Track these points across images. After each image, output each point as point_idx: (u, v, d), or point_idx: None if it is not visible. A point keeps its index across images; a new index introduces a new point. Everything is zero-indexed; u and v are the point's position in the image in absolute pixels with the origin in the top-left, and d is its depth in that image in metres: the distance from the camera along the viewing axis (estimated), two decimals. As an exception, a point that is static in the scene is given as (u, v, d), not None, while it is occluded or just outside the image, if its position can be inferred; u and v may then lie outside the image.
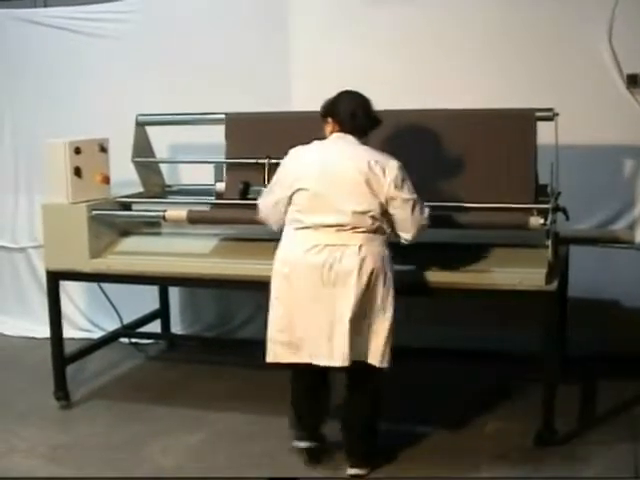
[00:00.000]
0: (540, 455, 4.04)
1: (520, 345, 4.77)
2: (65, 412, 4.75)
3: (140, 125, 4.89)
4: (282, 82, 5.32)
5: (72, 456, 4.22)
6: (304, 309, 3.73)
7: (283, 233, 3.83)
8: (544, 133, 4.25)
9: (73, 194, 4.58)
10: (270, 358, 3.84)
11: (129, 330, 5.52)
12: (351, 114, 3.79)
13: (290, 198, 3.76)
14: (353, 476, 3.89)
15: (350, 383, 3.90)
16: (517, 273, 4.01)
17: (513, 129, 4.30)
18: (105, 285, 5.33)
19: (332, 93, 5.05)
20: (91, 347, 5.23)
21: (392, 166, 3.72)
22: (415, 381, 4.89)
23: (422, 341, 4.91)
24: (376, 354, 3.76)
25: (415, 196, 3.76)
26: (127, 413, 4.68)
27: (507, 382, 4.86)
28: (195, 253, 4.60)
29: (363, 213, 3.67)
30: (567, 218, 4.30)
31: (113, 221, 4.74)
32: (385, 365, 3.78)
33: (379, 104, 4.56)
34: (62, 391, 4.79)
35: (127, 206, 4.81)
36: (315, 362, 3.75)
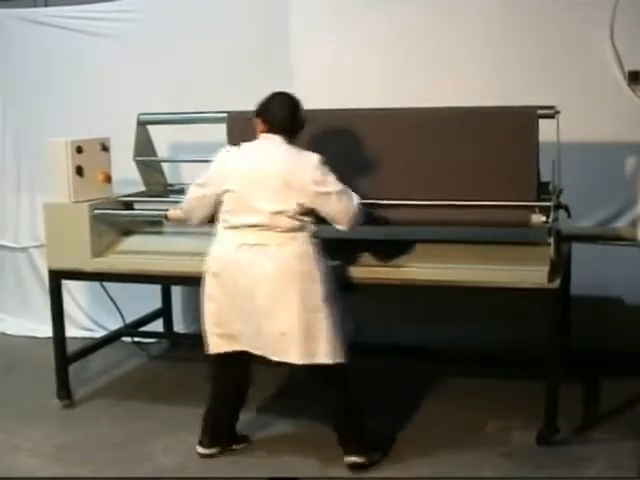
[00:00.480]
0: (543, 454, 4.03)
1: (522, 343, 4.78)
2: (67, 411, 4.75)
3: (141, 124, 4.89)
4: (283, 81, 5.29)
5: (74, 455, 4.23)
6: (235, 306, 3.87)
7: (217, 232, 3.97)
8: (546, 131, 4.23)
9: (75, 193, 4.58)
10: (211, 350, 3.99)
11: (131, 329, 5.52)
12: (278, 115, 3.90)
13: (220, 197, 3.90)
14: (352, 465, 3.94)
15: (310, 382, 3.96)
16: (519, 271, 4.01)
17: (515, 127, 4.28)
18: (107, 284, 5.33)
19: (332, 92, 5.13)
20: (93, 346, 5.23)
21: (312, 164, 3.80)
22: (415, 381, 4.91)
23: (422, 340, 4.91)
24: (323, 353, 3.81)
25: (339, 188, 3.82)
26: (129, 412, 4.68)
27: (509, 381, 4.83)
28: (197, 252, 4.57)
29: (281, 213, 3.78)
30: (569, 215, 4.29)
31: (115, 220, 4.73)
32: (338, 361, 3.83)
33: (379, 103, 4.61)
34: (64, 390, 4.79)
35: (129, 205, 4.82)
36: (251, 351, 3.88)
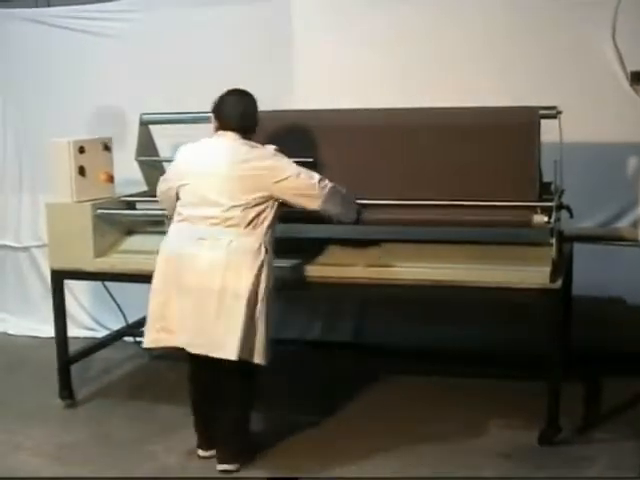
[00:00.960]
0: (543, 454, 4.04)
1: (523, 343, 4.79)
2: (69, 411, 4.76)
3: (144, 124, 4.90)
4: (283, 81, 5.33)
5: (76, 455, 4.23)
6: (180, 300, 3.87)
7: (170, 226, 4.05)
8: (548, 131, 4.24)
9: (77, 193, 4.59)
10: (147, 344, 4.05)
11: (134, 329, 5.51)
12: (230, 114, 3.98)
13: (178, 191, 4.00)
14: (222, 471, 3.96)
15: (219, 378, 3.94)
16: (521, 271, 4.01)
17: (517, 127, 4.28)
18: (109, 284, 5.33)
19: (332, 92, 5.13)
20: (95, 346, 5.24)
21: (266, 155, 3.90)
22: (418, 382, 4.91)
23: (423, 340, 4.92)
24: (257, 352, 3.84)
25: (295, 170, 3.89)
26: (131, 412, 4.68)
27: (510, 381, 4.83)
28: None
29: (234, 207, 3.82)
30: (571, 216, 4.30)
31: (117, 220, 4.74)
32: (259, 361, 3.86)
33: (380, 103, 4.61)
34: (66, 390, 4.79)
35: (131, 205, 4.83)
36: (188, 349, 3.88)
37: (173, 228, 4.02)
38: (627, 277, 5.01)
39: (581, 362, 4.83)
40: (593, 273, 4.94)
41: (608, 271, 5.02)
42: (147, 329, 4.03)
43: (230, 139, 3.95)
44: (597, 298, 5.05)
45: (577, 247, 4.73)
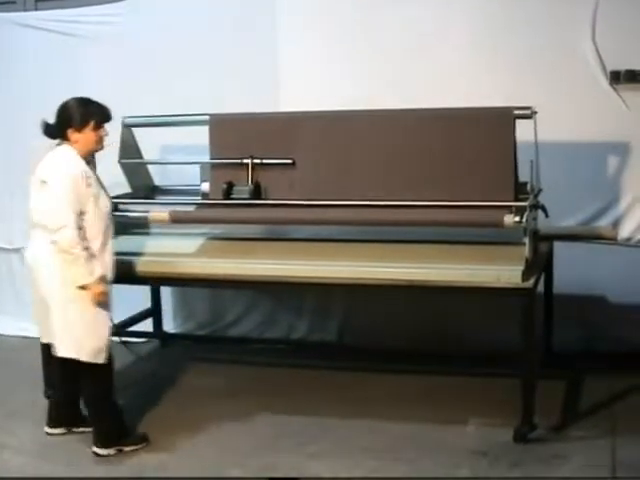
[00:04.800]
0: (518, 452, 4.06)
1: (505, 342, 4.81)
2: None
3: (126, 127, 4.95)
4: (271, 83, 5.37)
5: (61, 454, 4.27)
6: (36, 300, 4.19)
7: None
8: (528, 130, 4.25)
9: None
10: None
11: (120, 329, 5.54)
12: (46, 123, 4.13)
13: None
14: (94, 453, 4.20)
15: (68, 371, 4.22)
16: (494, 270, 4.04)
17: (492, 128, 4.33)
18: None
19: (320, 93, 5.17)
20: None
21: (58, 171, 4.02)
22: (396, 380, 4.94)
23: (402, 340, 4.95)
24: (75, 349, 4.08)
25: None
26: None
27: (491, 379, 4.86)
28: (183, 253, 4.65)
29: (44, 213, 4.01)
30: (546, 215, 4.34)
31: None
32: (92, 360, 4.08)
33: (363, 104, 4.64)
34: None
35: (114, 207, 4.85)
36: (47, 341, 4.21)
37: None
38: (609, 276, 5.04)
39: (562, 360, 4.87)
40: (575, 272, 4.97)
41: (591, 270, 5.04)
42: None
43: (56, 150, 4.12)
44: (579, 296, 5.07)
45: (560, 246, 4.76)
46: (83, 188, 3.98)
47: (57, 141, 4.12)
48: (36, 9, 5.99)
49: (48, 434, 4.44)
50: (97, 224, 4.04)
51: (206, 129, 4.88)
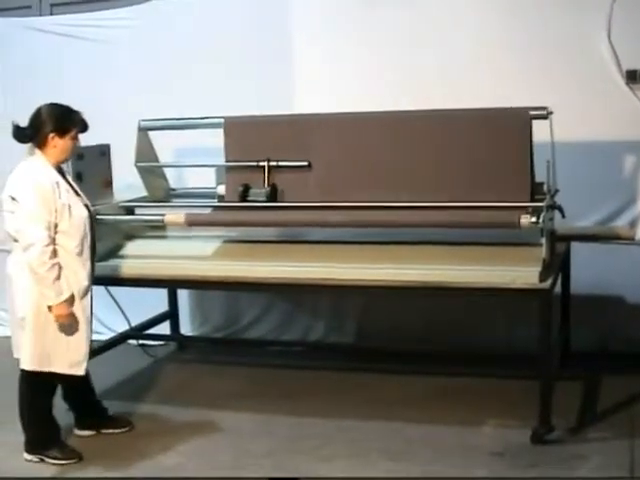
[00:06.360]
0: (536, 453, 4.05)
1: (523, 342, 4.80)
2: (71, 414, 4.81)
3: (142, 130, 4.96)
4: (285, 85, 5.38)
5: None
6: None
7: None
8: (544, 130, 4.24)
9: (76, 199, 4.64)
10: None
11: (137, 332, 5.58)
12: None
13: None
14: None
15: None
16: (511, 271, 4.03)
17: (508, 129, 4.32)
18: (113, 287, 5.39)
19: (335, 95, 5.18)
20: (99, 349, 5.28)
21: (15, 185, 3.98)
22: (412, 381, 4.94)
23: (419, 342, 4.94)
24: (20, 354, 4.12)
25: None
26: (133, 413, 4.73)
27: (510, 380, 4.84)
28: (200, 256, 4.66)
29: (16, 235, 3.98)
30: (563, 216, 4.31)
31: (117, 225, 4.81)
32: (24, 367, 4.10)
33: (379, 106, 4.64)
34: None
35: (130, 210, 4.89)
36: None
37: None
38: (627, 276, 5.02)
39: (580, 360, 4.85)
40: (593, 272, 4.96)
41: (608, 270, 5.02)
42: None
43: (29, 159, 4.08)
44: (596, 297, 5.05)
45: (577, 246, 4.74)
46: (54, 199, 3.93)
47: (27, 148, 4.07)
48: (51, 14, 6.03)
49: (77, 436, 4.45)
50: (73, 234, 4.01)
51: (221, 132, 4.89)
